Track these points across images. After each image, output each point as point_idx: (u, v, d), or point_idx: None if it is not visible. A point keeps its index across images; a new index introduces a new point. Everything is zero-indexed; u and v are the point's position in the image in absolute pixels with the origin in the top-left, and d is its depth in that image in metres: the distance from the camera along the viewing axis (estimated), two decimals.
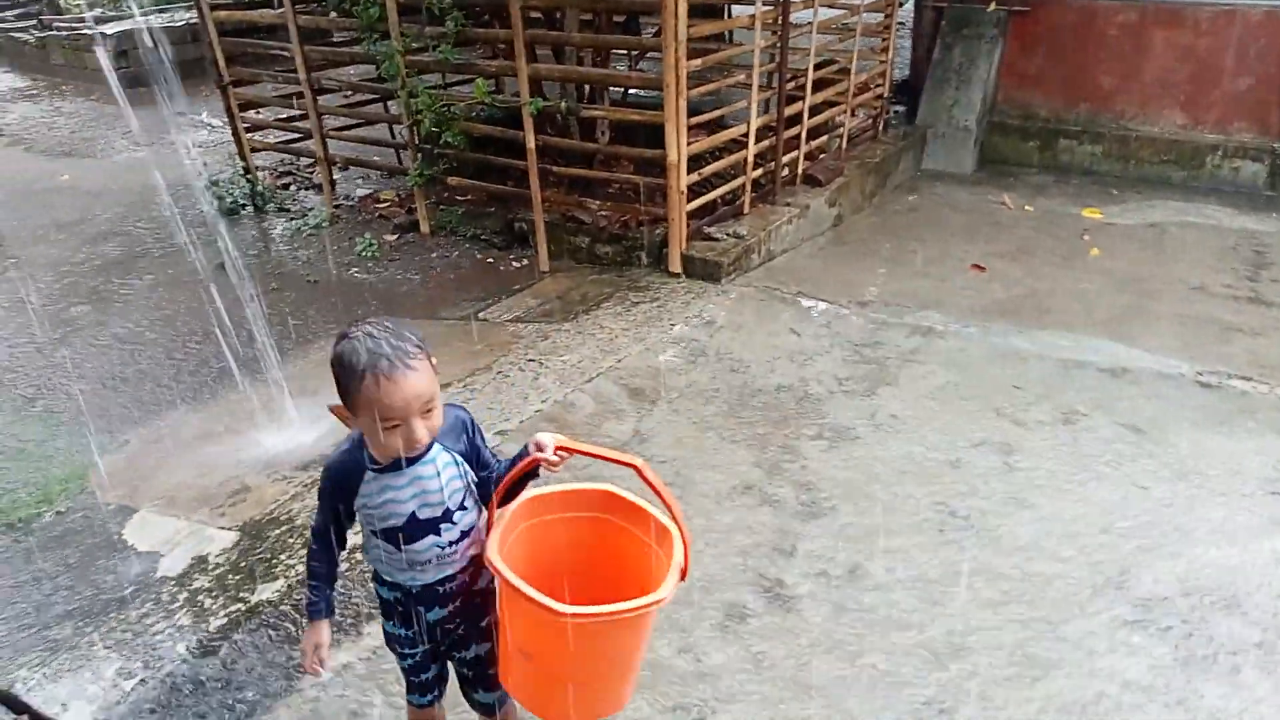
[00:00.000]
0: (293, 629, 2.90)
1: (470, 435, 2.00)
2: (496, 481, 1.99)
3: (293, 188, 7.33)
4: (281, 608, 2.97)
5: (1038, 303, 5.31)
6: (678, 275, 5.51)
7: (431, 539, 1.96)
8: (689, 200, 5.44)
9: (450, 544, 1.99)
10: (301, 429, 3.94)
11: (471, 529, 2.03)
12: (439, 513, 1.96)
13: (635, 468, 1.91)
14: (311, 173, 7.41)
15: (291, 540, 3.24)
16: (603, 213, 5.97)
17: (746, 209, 6.02)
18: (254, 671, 2.76)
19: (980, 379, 4.46)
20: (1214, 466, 3.78)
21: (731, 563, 3.21)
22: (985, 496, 3.58)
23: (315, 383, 4.28)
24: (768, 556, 3.24)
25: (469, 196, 6.37)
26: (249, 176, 6.98)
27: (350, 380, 1.78)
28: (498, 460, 2.05)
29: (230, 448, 3.87)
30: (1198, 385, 4.41)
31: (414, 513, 1.93)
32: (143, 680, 2.70)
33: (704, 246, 5.60)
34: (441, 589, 2.03)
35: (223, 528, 3.33)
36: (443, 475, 1.94)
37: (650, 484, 1.91)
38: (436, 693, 2.23)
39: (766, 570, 3.17)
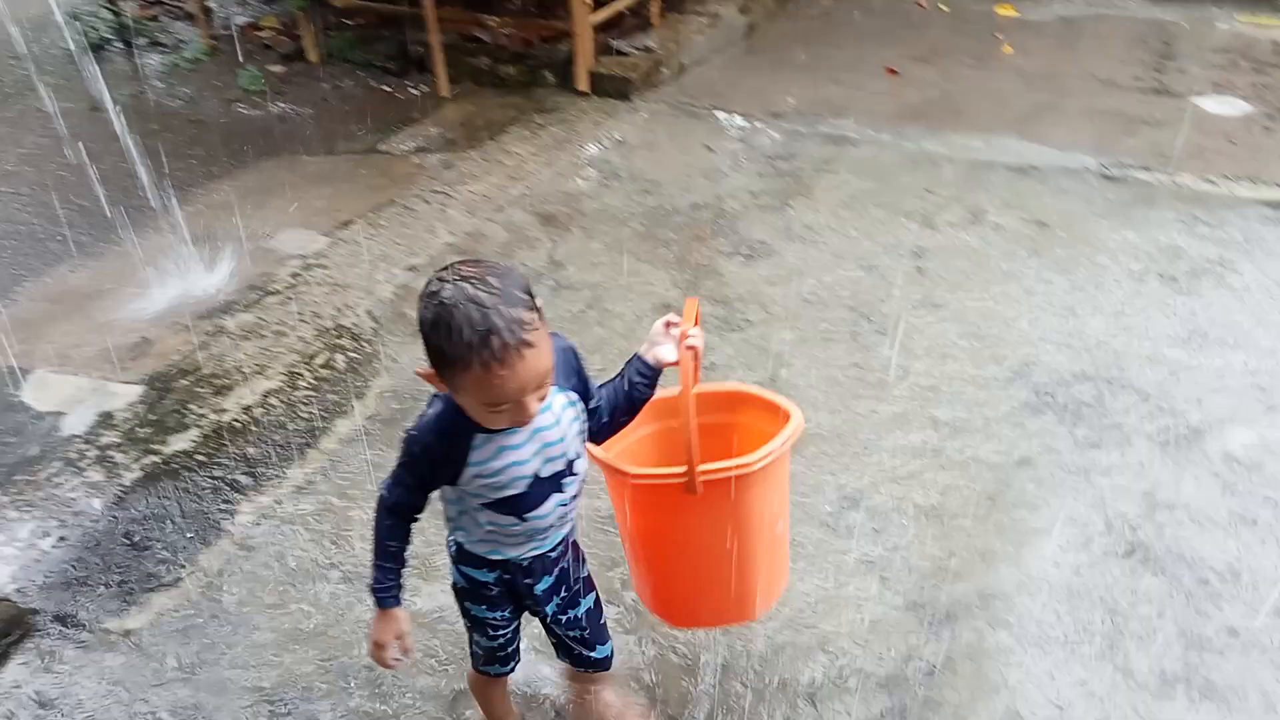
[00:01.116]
0: (209, 480, 2.86)
1: (580, 369, 1.67)
2: (625, 408, 1.72)
3: (161, 19, 6.72)
4: (196, 457, 2.92)
5: (950, 104, 5.26)
6: (586, 94, 5.29)
7: (555, 499, 1.66)
8: (594, 12, 5.15)
9: (573, 498, 1.70)
10: (198, 276, 3.77)
11: (584, 475, 1.73)
12: (562, 465, 1.64)
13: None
14: (182, 0, 6.79)
15: (201, 390, 3.16)
16: (504, 31, 5.62)
17: (655, 20, 5.74)
18: (173, 523, 2.74)
19: (893, 185, 4.45)
20: (1114, 256, 3.89)
21: None
22: (899, 300, 3.64)
23: (209, 226, 4.06)
24: None
25: (359, 20, 5.93)
26: (113, 6, 6.36)
27: (453, 358, 1.41)
28: (600, 387, 1.73)
29: (125, 300, 3.69)
30: (1102, 178, 4.47)
31: (537, 473, 1.61)
32: (61, 538, 2.66)
33: (612, 63, 5.36)
34: (554, 553, 1.76)
35: (126, 382, 3.22)
36: (563, 421, 1.62)
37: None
38: (519, 656, 1.98)
39: None
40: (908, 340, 3.41)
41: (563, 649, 1.98)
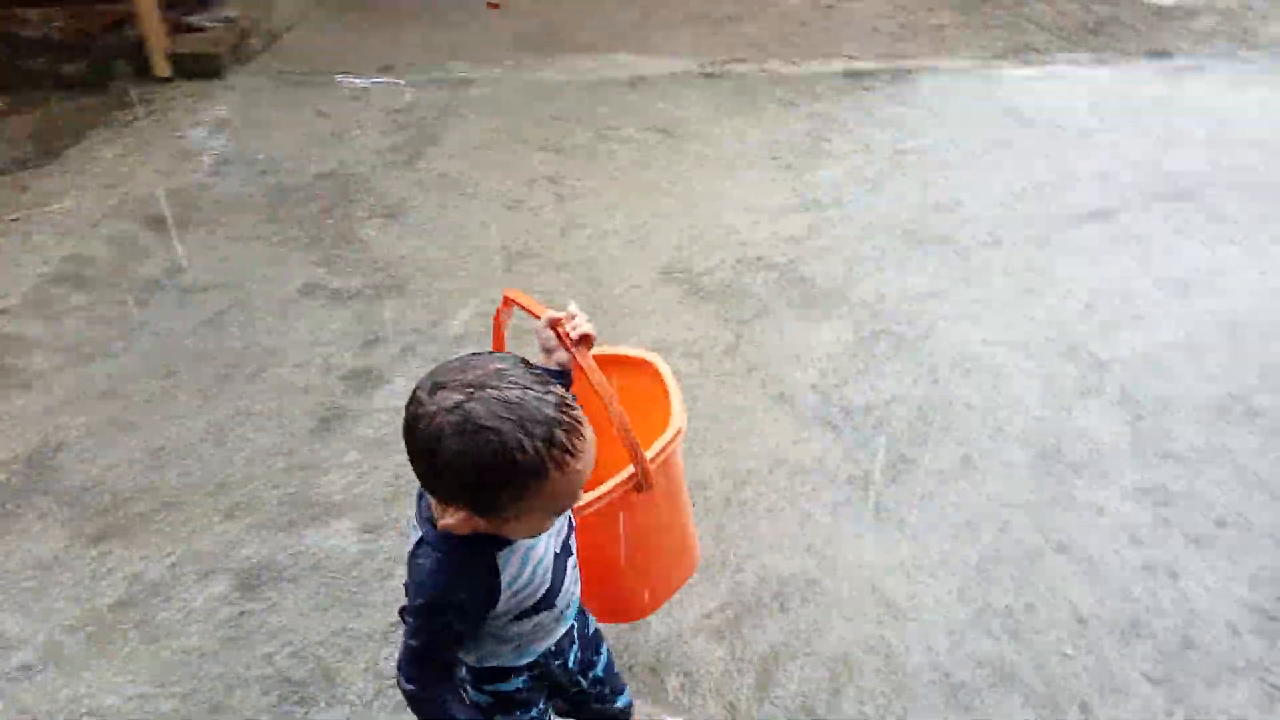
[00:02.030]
0: None
1: None
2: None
3: None
4: None
5: (556, 31, 5.35)
6: (170, 79, 4.79)
7: (569, 564, 1.44)
8: None
9: (574, 555, 1.48)
10: None
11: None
12: (565, 529, 1.44)
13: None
14: None
15: None
16: (55, 24, 4.92)
17: None
18: None
19: (518, 118, 4.47)
20: (728, 145, 4.19)
21: (317, 367, 3.05)
22: (549, 228, 3.69)
23: None
24: (352, 350, 3.11)
25: None
26: None
27: (522, 481, 1.13)
28: None
29: None
30: (705, 77, 4.78)
31: (554, 554, 1.39)
32: None
33: (191, 40, 4.89)
34: (575, 620, 1.54)
35: None
36: None
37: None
38: None
39: (353, 364, 3.06)
40: (563, 264, 3.48)
41: (582, 710, 1.74)
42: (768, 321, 3.18)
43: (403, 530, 2.44)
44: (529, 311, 1.52)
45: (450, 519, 1.18)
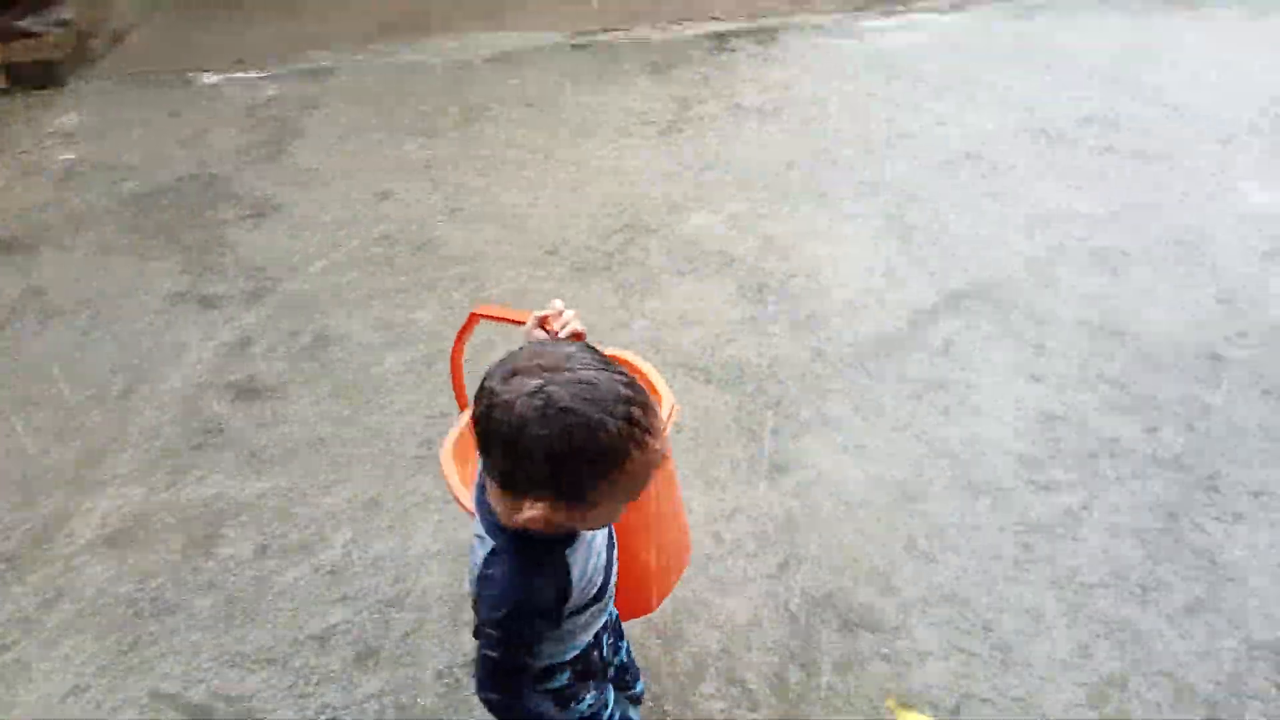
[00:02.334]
0: None
1: None
2: None
3: None
4: None
5: (421, 11, 5.21)
6: (6, 91, 4.49)
7: (614, 557, 1.44)
8: None
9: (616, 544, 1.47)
10: None
11: None
12: None
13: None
14: None
15: None
16: None
17: None
18: None
19: (386, 104, 4.35)
20: (602, 115, 4.17)
21: (190, 380, 2.93)
22: (422, 216, 3.61)
23: None
24: (226, 359, 3.00)
25: None
26: None
27: (609, 465, 1.11)
28: None
29: None
30: (573, 49, 4.74)
31: (605, 545, 1.39)
32: None
33: (27, 47, 4.59)
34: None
35: None
36: None
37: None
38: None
39: (229, 373, 2.95)
40: (446, 252, 3.42)
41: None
42: (656, 288, 3.19)
43: (363, 562, 2.37)
44: (510, 321, 1.51)
45: (530, 513, 1.13)
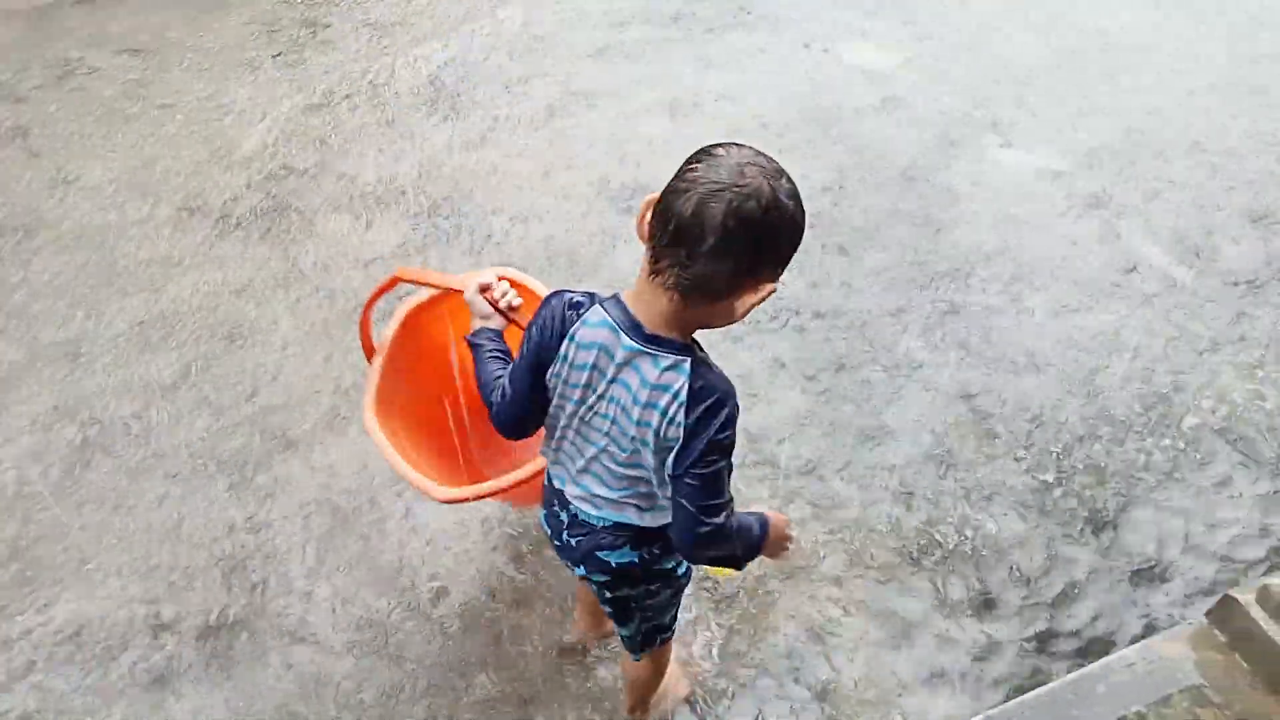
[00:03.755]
0: None
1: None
2: None
3: None
4: None
5: None
6: None
7: None
8: None
9: None
10: None
11: None
12: None
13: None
14: None
15: None
16: None
17: None
18: None
19: None
20: (219, 52, 3.79)
21: None
22: (26, 196, 3.14)
23: None
24: None
25: None
26: None
27: (798, 233, 1.17)
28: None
29: None
30: None
31: None
32: None
33: None
34: None
35: None
36: None
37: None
38: None
39: None
40: (59, 234, 3.00)
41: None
42: (317, 233, 3.02)
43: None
44: (443, 288, 1.63)
45: (757, 296, 1.16)
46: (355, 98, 3.58)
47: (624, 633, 1.61)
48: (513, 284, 1.53)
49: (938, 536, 2.22)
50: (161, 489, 2.28)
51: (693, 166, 1.13)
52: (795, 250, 1.17)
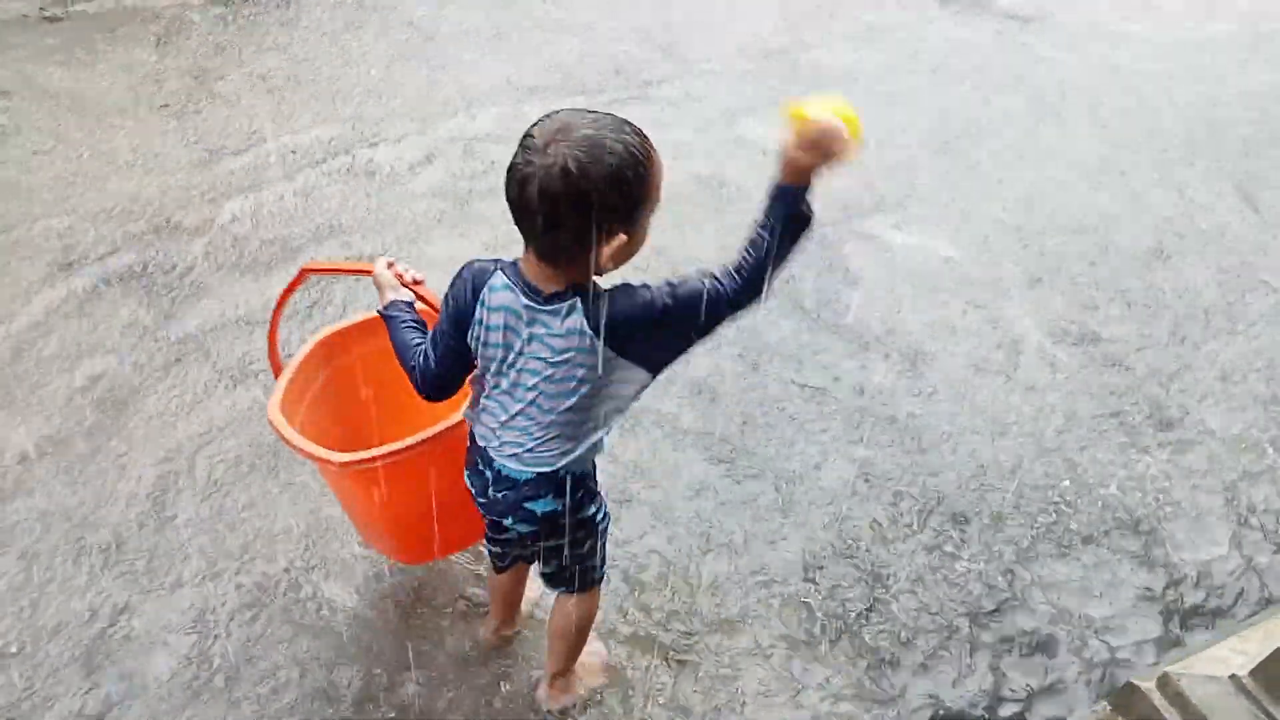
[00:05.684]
0: None
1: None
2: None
3: None
4: None
5: None
6: None
7: None
8: None
9: None
10: None
11: None
12: None
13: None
14: None
15: None
16: None
17: None
18: None
19: None
20: (98, 99, 3.60)
21: None
22: None
23: None
24: None
25: None
26: None
27: (644, 177, 1.25)
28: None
29: None
30: (47, 21, 4.00)
31: None
32: None
33: None
34: None
35: None
36: None
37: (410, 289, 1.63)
38: None
39: None
40: None
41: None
42: (205, 293, 2.85)
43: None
44: (355, 273, 1.73)
45: (611, 246, 1.26)
46: (237, 159, 3.42)
47: (560, 573, 1.69)
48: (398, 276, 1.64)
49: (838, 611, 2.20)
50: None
51: (520, 147, 1.24)
52: (636, 198, 1.25)
